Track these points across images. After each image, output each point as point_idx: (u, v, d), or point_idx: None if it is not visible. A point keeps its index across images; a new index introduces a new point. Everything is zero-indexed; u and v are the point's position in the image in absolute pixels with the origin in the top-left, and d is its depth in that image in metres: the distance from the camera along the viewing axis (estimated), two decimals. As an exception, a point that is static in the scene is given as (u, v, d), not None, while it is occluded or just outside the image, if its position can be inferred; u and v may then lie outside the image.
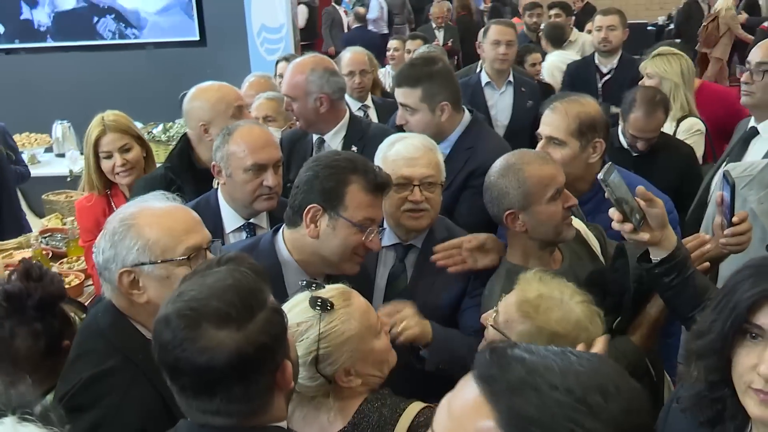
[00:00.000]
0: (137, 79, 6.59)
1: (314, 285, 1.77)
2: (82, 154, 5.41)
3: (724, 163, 2.80)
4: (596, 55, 5.12)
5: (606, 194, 1.80)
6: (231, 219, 2.54)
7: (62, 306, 1.91)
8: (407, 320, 2.00)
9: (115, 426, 1.56)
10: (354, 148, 3.07)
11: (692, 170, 3.39)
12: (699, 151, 3.73)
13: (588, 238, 2.30)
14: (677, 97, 3.82)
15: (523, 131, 4.14)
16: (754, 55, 2.81)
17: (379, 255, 2.36)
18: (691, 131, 3.78)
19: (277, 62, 5.05)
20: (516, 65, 4.97)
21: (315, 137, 3.19)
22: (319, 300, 1.68)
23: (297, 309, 1.70)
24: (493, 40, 4.53)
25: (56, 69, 6.71)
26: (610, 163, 1.84)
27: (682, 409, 1.41)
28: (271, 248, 2.10)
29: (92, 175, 3.13)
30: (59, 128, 5.78)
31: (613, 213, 1.81)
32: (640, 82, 3.93)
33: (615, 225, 1.85)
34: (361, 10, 9.47)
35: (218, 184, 2.60)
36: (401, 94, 2.91)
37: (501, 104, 4.55)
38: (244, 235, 2.55)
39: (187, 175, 2.94)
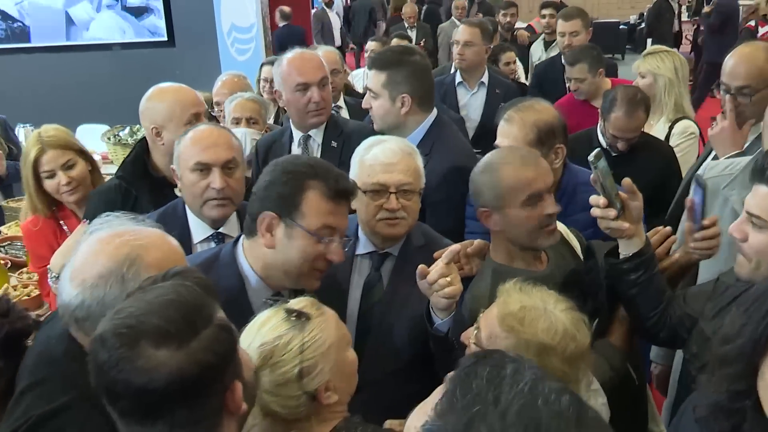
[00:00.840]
0: (103, 80, 6.45)
1: (279, 301, 1.69)
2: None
3: (703, 164, 2.75)
4: (562, 55, 5.04)
5: (592, 177, 1.78)
6: (199, 229, 2.40)
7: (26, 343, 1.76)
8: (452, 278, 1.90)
9: None
10: (334, 144, 3.01)
11: (672, 170, 3.34)
12: (693, 156, 3.62)
13: (569, 239, 2.24)
14: (671, 94, 3.77)
15: (495, 132, 4.06)
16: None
17: (354, 263, 2.26)
18: (685, 134, 3.70)
19: (262, 65, 4.91)
20: (490, 64, 4.91)
21: (298, 135, 3.11)
22: (294, 312, 1.60)
23: (269, 325, 1.61)
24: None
25: (19, 70, 6.53)
26: (599, 148, 1.80)
27: (697, 419, 1.35)
28: (232, 261, 1.99)
29: (34, 198, 2.90)
30: (22, 132, 5.59)
31: (598, 199, 1.78)
32: (634, 83, 3.88)
33: (596, 211, 1.82)
34: (286, 9, 9.48)
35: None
36: (369, 77, 2.88)
37: (472, 105, 4.50)
38: (212, 245, 2.40)
39: (142, 183, 2.76)
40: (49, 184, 2.88)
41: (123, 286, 1.46)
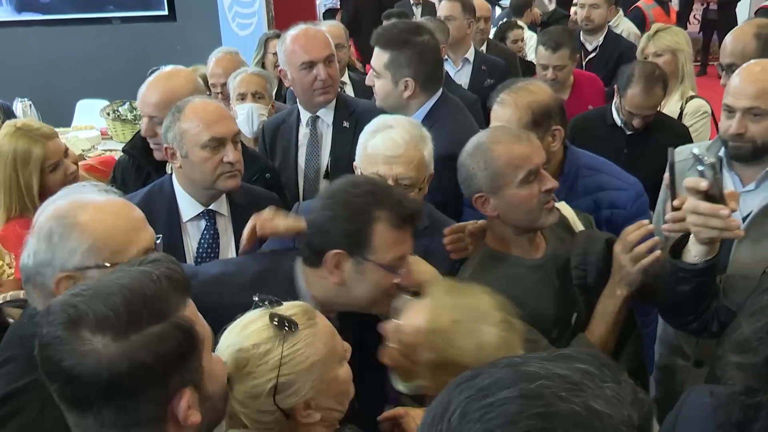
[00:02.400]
0: (102, 54, 6.36)
1: (272, 301, 1.53)
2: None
3: None
4: (581, 32, 4.98)
5: (706, 183, 1.65)
6: (188, 206, 2.35)
7: None
8: None
9: None
10: (346, 124, 2.92)
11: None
12: (705, 135, 3.57)
13: (575, 226, 2.15)
14: (688, 70, 3.73)
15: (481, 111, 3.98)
16: (723, 57, 2.75)
17: None
18: (698, 114, 3.64)
19: (268, 39, 4.79)
20: (498, 42, 4.81)
21: (306, 116, 3.01)
22: (280, 319, 1.45)
23: (253, 328, 1.46)
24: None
25: (17, 44, 6.42)
26: (712, 160, 1.67)
27: (715, 407, 1.29)
28: (288, 282, 1.87)
29: (35, 198, 2.62)
30: (20, 106, 5.50)
31: (709, 206, 1.65)
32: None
33: (703, 207, 1.65)
34: None
35: (172, 169, 2.40)
36: (374, 54, 2.75)
37: (457, 81, 4.36)
38: (203, 223, 2.36)
39: (149, 159, 2.74)
40: (53, 178, 2.68)
41: (50, 240, 1.45)
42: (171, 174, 2.41)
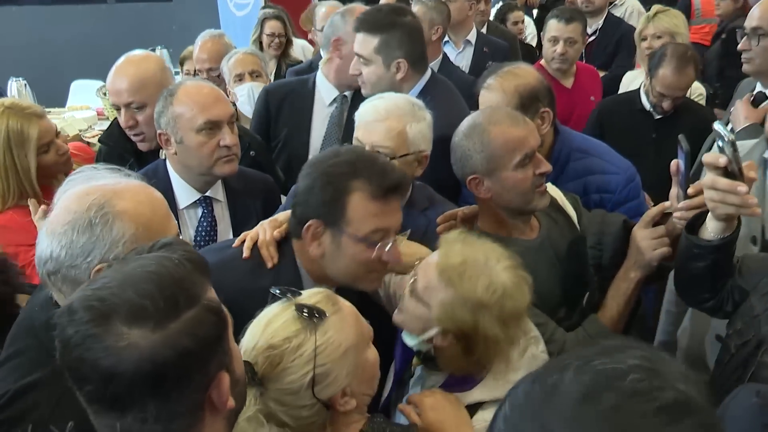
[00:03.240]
0: (97, 34, 6.29)
1: (290, 291, 1.47)
2: (38, 113, 5.16)
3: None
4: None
5: (724, 159, 1.58)
6: (184, 193, 2.28)
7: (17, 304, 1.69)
8: None
9: None
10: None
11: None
12: None
13: (565, 207, 2.14)
14: None
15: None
16: (749, 21, 2.65)
17: None
18: (695, 95, 3.62)
19: (266, 19, 4.71)
20: (498, 24, 4.76)
21: (332, 93, 2.93)
22: (307, 308, 1.39)
23: (279, 322, 1.40)
24: None
25: (11, 22, 6.35)
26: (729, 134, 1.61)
27: (762, 405, 1.29)
28: (291, 259, 1.83)
29: (34, 183, 2.48)
30: (14, 85, 5.44)
31: (727, 182, 1.57)
32: (642, 49, 3.80)
33: (722, 183, 1.57)
34: None
35: (165, 155, 2.32)
36: (357, 41, 2.66)
37: (458, 63, 4.28)
38: (199, 210, 2.29)
39: (128, 146, 2.65)
40: (46, 159, 2.52)
41: (92, 231, 1.36)
42: (165, 159, 2.34)
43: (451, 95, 2.82)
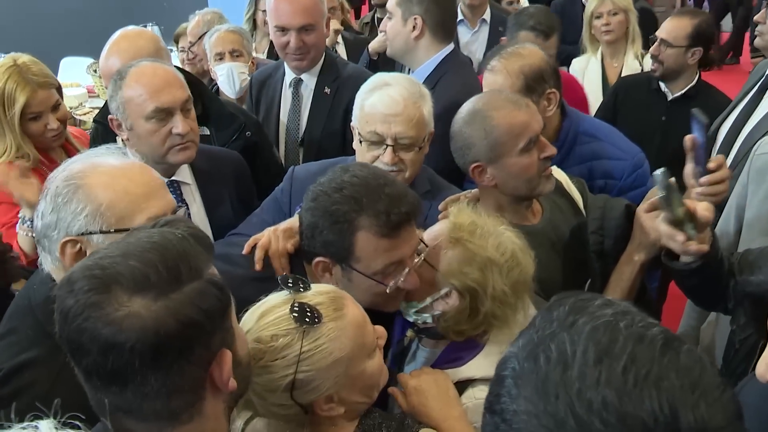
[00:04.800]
0: (87, 10, 6.18)
1: (300, 282, 1.39)
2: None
3: (735, 110, 2.61)
4: None
5: (656, 200, 1.65)
6: None
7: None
8: None
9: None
10: (327, 90, 2.83)
11: None
12: None
13: (570, 191, 2.11)
14: (637, 30, 3.86)
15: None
16: None
17: None
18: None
19: None
20: (495, 2, 4.71)
21: (290, 77, 2.92)
22: (301, 308, 1.33)
23: (273, 316, 1.34)
24: None
25: (-1, -2, 6.24)
26: (664, 168, 1.62)
27: None
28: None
29: (22, 143, 2.52)
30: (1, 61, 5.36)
31: (667, 229, 1.63)
32: (597, 27, 3.87)
33: (664, 230, 1.65)
34: None
35: (122, 141, 2.23)
36: None
37: (474, 44, 4.29)
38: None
39: None
40: (31, 128, 2.54)
41: (55, 203, 1.40)
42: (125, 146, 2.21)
43: (468, 69, 2.84)
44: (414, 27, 2.63)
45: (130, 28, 2.64)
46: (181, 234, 1.09)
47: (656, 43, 3.23)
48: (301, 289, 1.38)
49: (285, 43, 2.77)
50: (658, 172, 1.59)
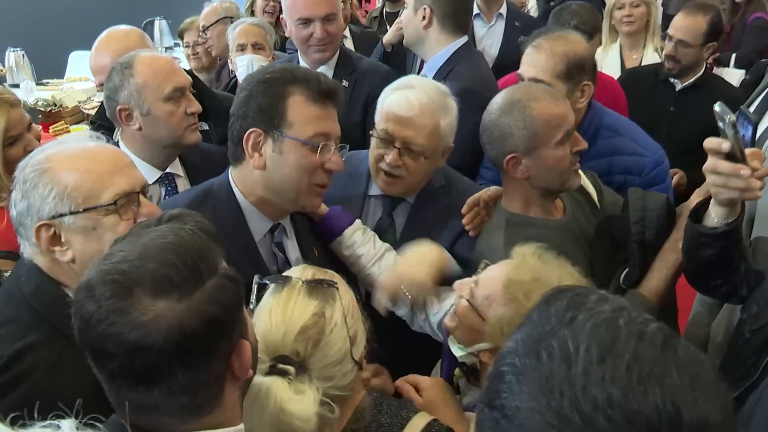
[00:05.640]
0: (96, 4, 6.21)
1: (275, 278, 1.45)
2: (38, 84, 5.09)
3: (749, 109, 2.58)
4: None
5: (721, 126, 1.55)
6: (145, 173, 2.12)
7: None
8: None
9: (45, 404, 1.30)
10: (345, 83, 2.83)
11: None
12: None
13: (585, 185, 2.11)
14: (658, 24, 3.85)
15: (514, 67, 3.88)
16: None
17: (366, 204, 2.13)
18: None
19: None
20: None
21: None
22: (321, 281, 1.41)
23: (296, 303, 1.38)
24: None
25: (8, -8, 6.26)
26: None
27: None
28: (228, 193, 1.81)
29: (3, 177, 2.20)
30: (12, 56, 5.37)
31: (729, 165, 1.54)
32: (618, 19, 3.82)
33: (724, 166, 1.54)
34: None
35: (120, 135, 2.26)
36: None
37: (490, 38, 4.24)
38: (162, 190, 2.24)
39: None
40: (11, 153, 2.22)
41: (24, 189, 1.44)
42: (117, 142, 2.25)
43: (481, 60, 2.86)
44: (423, 17, 2.65)
45: (119, 27, 2.64)
46: (192, 230, 1.10)
47: (672, 44, 3.20)
48: (285, 279, 1.43)
49: (308, 35, 2.78)
50: (717, 107, 1.55)
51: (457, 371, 1.72)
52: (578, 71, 2.27)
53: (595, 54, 3.14)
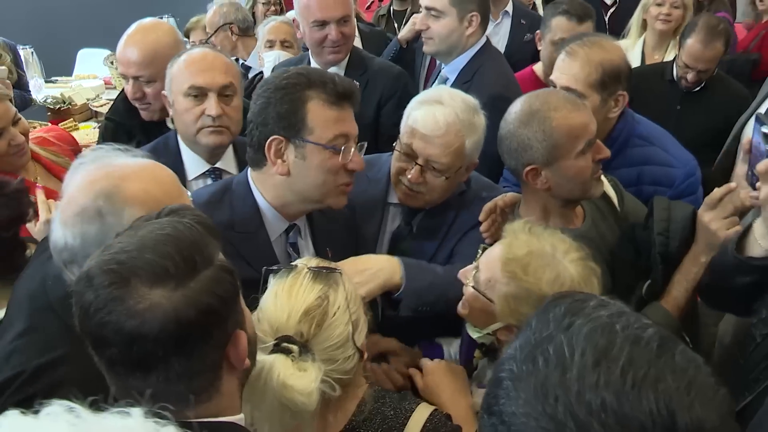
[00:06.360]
0: (104, 2, 6.21)
1: (278, 270, 1.48)
2: (47, 81, 5.11)
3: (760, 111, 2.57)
4: None
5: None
6: (193, 164, 2.26)
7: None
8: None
9: None
10: (357, 84, 2.82)
11: (741, 114, 3.01)
12: None
13: (606, 190, 2.05)
14: None
15: (520, 65, 3.87)
16: None
17: (387, 211, 2.13)
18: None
19: None
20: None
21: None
22: (325, 268, 1.46)
23: (300, 288, 1.41)
24: None
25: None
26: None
27: None
28: (246, 192, 1.83)
29: None
30: (22, 53, 5.39)
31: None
32: (651, 15, 3.72)
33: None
34: None
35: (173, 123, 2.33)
36: None
37: (496, 36, 4.19)
38: (209, 181, 2.26)
39: (135, 122, 2.60)
40: None
41: (102, 221, 1.33)
42: (176, 130, 2.32)
43: (501, 59, 2.85)
44: (470, 23, 2.64)
45: (148, 20, 2.64)
46: (189, 223, 1.12)
47: (694, 73, 3.16)
48: (294, 267, 1.46)
49: (323, 38, 2.76)
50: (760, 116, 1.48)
51: (477, 352, 1.74)
52: (613, 81, 2.19)
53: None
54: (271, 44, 3.47)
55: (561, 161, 1.82)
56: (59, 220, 1.38)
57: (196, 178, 2.27)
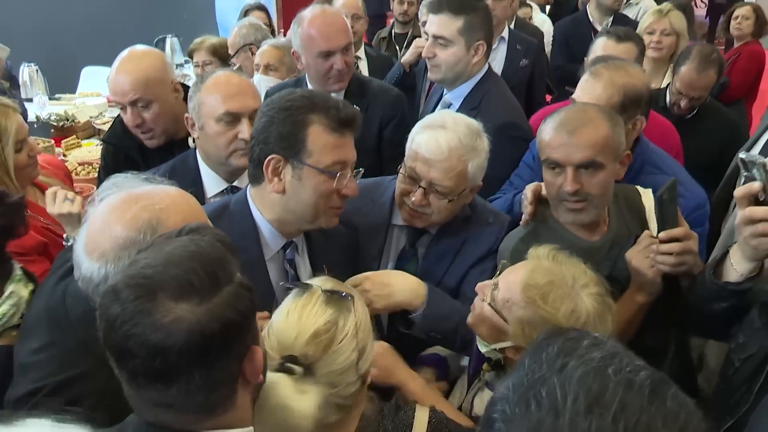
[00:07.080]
0: (107, 20, 6.27)
1: (298, 286, 1.51)
2: (50, 99, 5.16)
3: (759, 143, 2.59)
4: (587, 12, 4.93)
5: (756, 185, 1.50)
6: (212, 182, 2.31)
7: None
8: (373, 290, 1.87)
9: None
10: (358, 110, 2.86)
11: (735, 142, 3.06)
12: None
13: (649, 219, 2.03)
14: None
15: (516, 90, 3.91)
16: None
17: (390, 232, 2.15)
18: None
19: (248, 11, 4.75)
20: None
21: None
22: (330, 293, 1.46)
23: (311, 310, 1.43)
24: None
25: (21, 7, 6.34)
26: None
27: None
28: (244, 209, 1.86)
29: (11, 175, 2.29)
30: (27, 71, 5.45)
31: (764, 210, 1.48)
32: (647, 39, 3.76)
33: (759, 212, 1.49)
34: None
35: (194, 142, 2.37)
36: (437, 22, 2.71)
37: (492, 61, 4.24)
38: None
39: (131, 143, 2.62)
40: (19, 158, 2.31)
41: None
42: (195, 149, 2.37)
43: (504, 86, 2.89)
44: (476, 52, 2.68)
45: (138, 47, 2.65)
46: (210, 241, 1.17)
47: (687, 101, 3.22)
48: (309, 286, 1.48)
49: (329, 68, 2.76)
50: (743, 155, 1.51)
51: (485, 365, 1.76)
52: (633, 106, 2.23)
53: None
54: (257, 68, 3.53)
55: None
56: (93, 253, 1.38)
57: (215, 196, 2.31)
